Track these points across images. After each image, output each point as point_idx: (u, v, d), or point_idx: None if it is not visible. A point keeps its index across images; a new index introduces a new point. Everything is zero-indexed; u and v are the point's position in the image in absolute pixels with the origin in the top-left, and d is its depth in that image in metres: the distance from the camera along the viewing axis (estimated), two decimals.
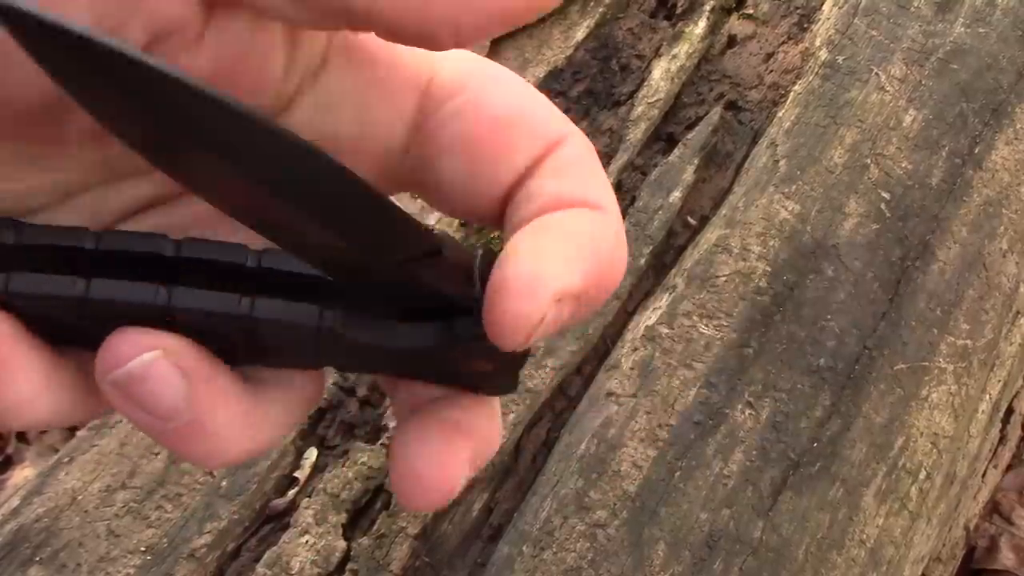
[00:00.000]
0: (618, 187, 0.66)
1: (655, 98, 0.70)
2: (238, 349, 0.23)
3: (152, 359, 0.21)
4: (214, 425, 0.22)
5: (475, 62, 0.25)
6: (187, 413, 0.21)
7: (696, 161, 0.66)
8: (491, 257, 0.23)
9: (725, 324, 0.59)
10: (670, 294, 0.61)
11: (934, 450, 0.58)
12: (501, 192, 0.24)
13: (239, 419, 0.23)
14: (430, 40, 0.20)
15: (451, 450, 0.24)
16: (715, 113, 0.69)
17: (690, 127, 0.69)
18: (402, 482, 0.24)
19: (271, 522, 0.56)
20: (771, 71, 0.72)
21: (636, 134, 0.68)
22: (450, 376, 0.26)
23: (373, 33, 0.20)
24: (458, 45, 0.21)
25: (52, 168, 0.22)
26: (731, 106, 0.70)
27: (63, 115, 0.20)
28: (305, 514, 0.55)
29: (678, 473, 0.55)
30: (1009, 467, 0.85)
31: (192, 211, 0.24)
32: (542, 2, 0.21)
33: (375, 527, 0.54)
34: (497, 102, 0.24)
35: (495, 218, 0.25)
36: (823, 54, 0.71)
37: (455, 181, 0.24)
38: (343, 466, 0.57)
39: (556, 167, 0.24)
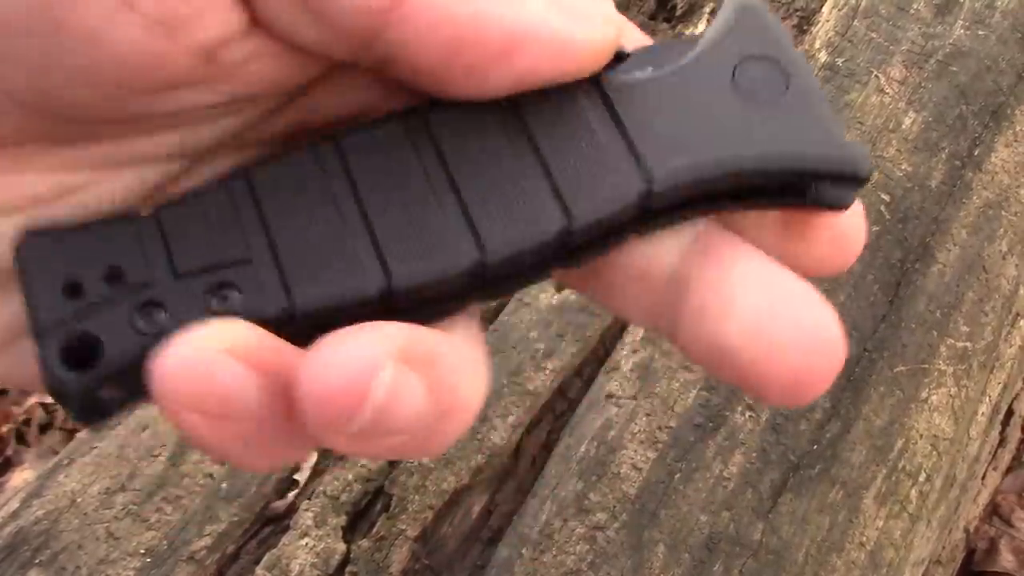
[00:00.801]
0: None
1: None
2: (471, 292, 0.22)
3: (390, 378, 0.18)
4: (460, 403, 0.20)
5: None
6: (433, 412, 0.19)
7: None
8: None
9: None
10: None
11: (934, 452, 0.58)
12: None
13: (474, 373, 0.21)
14: (447, 84, 0.20)
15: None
16: None
17: None
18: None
19: (271, 524, 0.56)
20: None
21: None
22: None
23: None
24: (474, 95, 0.20)
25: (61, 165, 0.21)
26: None
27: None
28: (305, 516, 0.55)
29: (678, 475, 0.55)
30: (1009, 469, 0.85)
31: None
32: (579, 67, 0.20)
33: (375, 529, 0.54)
34: None
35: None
36: (823, 56, 0.71)
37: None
38: (343, 468, 0.57)
39: None
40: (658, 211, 0.22)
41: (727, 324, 0.20)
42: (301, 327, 0.20)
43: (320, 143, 0.21)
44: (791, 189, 0.22)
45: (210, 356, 0.18)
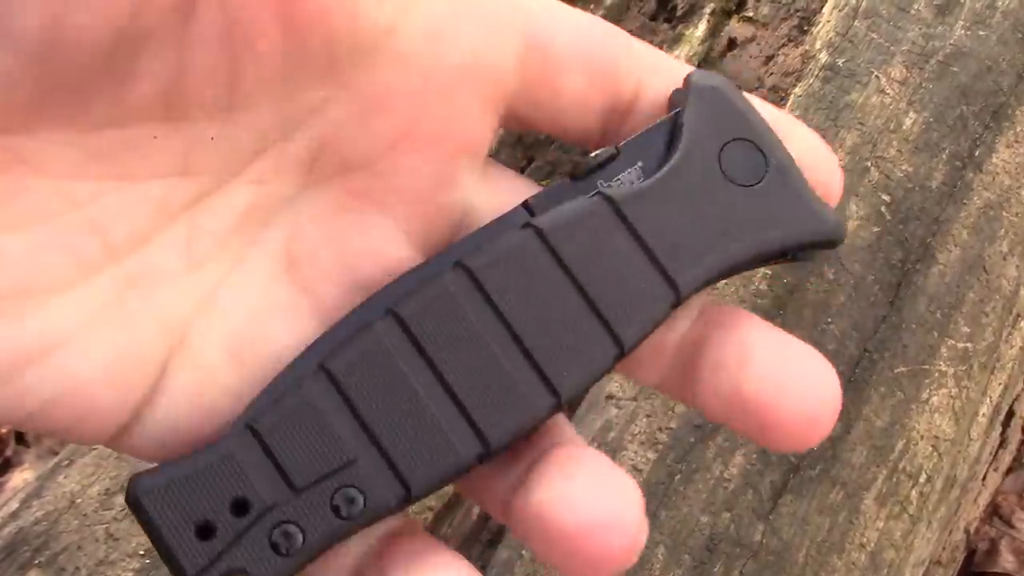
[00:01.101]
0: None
1: None
2: None
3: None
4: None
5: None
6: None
7: None
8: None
9: None
10: None
11: (934, 453, 0.58)
12: (622, 104, 0.25)
13: None
14: None
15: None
16: None
17: None
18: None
19: None
20: (771, 73, 0.72)
21: None
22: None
23: None
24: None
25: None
26: None
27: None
28: None
29: (678, 476, 0.54)
30: (1009, 470, 0.85)
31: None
32: None
33: None
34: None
35: (614, 135, 0.25)
36: (823, 57, 0.71)
37: (575, 97, 0.24)
38: None
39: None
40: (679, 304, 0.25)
41: (745, 376, 0.23)
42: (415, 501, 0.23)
43: (378, 321, 0.23)
44: (780, 256, 0.26)
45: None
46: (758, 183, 0.25)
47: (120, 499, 0.56)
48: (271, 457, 0.22)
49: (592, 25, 0.25)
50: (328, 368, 0.22)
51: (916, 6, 0.74)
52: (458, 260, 0.23)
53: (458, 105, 0.24)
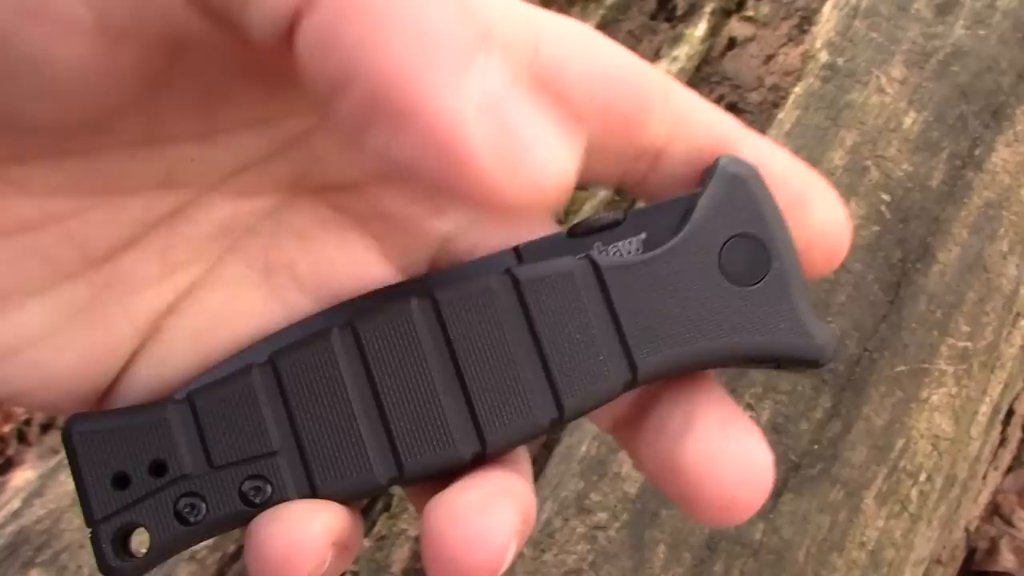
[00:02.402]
0: (619, 190, 0.67)
1: None
2: None
3: (513, 546, 0.22)
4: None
5: (576, 25, 0.24)
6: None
7: None
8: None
9: None
10: None
11: (935, 452, 0.58)
12: (646, 155, 0.24)
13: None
14: (358, 139, 0.18)
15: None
16: None
17: None
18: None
19: None
20: (771, 73, 0.72)
21: None
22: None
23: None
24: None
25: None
26: (731, 108, 0.71)
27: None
28: None
29: None
30: (1009, 469, 0.85)
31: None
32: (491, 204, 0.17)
33: (376, 529, 0.55)
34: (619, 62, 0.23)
35: (634, 185, 0.25)
36: (823, 56, 0.71)
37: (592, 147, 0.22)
38: None
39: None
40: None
41: (683, 444, 0.23)
42: None
43: (336, 330, 0.23)
44: (757, 363, 0.25)
45: (316, 544, 0.21)
46: (754, 284, 0.24)
47: None
48: (200, 431, 0.23)
49: (619, 68, 0.24)
50: (276, 363, 0.23)
51: (916, 5, 0.74)
52: (430, 291, 0.23)
53: None
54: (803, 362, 0.24)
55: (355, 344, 0.23)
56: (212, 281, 0.24)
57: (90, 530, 0.22)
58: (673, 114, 0.24)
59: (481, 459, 0.23)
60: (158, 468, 0.22)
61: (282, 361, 0.23)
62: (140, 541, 0.23)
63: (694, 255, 0.24)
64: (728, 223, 0.24)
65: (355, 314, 0.23)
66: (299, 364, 0.23)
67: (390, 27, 0.15)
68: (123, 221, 0.22)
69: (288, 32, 0.16)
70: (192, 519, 0.22)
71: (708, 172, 0.25)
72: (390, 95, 0.15)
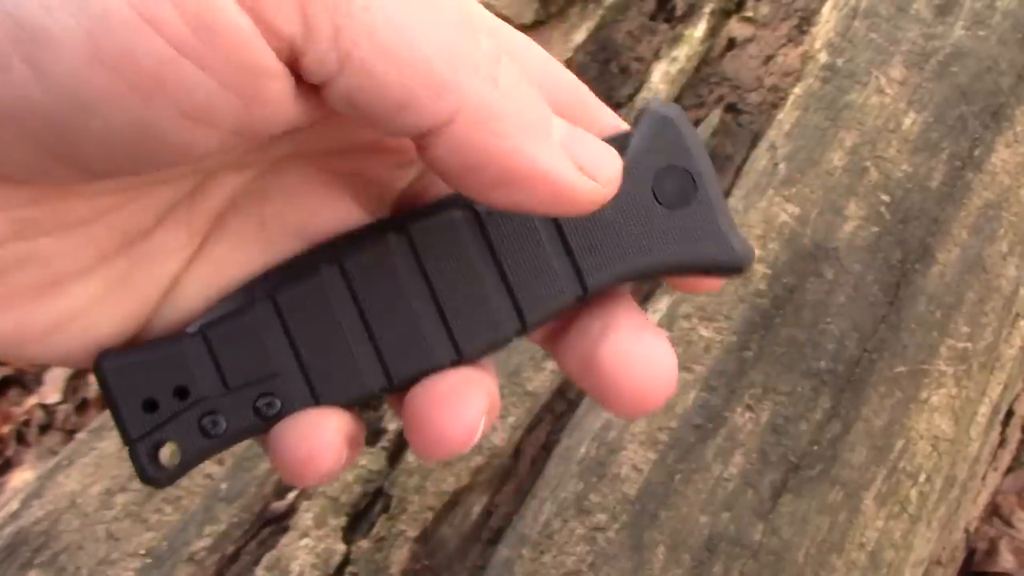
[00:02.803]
0: None
1: None
2: None
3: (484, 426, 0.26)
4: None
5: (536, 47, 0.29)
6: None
7: None
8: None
9: (725, 327, 0.59)
10: (670, 296, 0.61)
11: (934, 453, 0.58)
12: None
13: None
14: (457, 184, 0.24)
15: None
16: (715, 116, 0.69)
17: None
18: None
19: (270, 525, 0.56)
20: (771, 73, 0.72)
21: None
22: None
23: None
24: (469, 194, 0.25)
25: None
26: (731, 109, 0.70)
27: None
28: (305, 517, 0.55)
29: (678, 476, 0.55)
30: (1009, 470, 0.85)
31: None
32: (567, 211, 0.25)
33: (375, 530, 0.54)
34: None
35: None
36: (823, 57, 0.71)
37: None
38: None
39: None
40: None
41: (601, 346, 0.27)
42: None
43: (325, 266, 0.27)
44: (689, 272, 0.29)
45: (334, 442, 0.26)
46: (684, 208, 0.28)
47: (121, 498, 0.56)
48: (214, 359, 0.26)
49: (556, 75, 0.29)
50: (276, 298, 0.27)
51: (916, 6, 0.74)
52: (404, 226, 0.27)
53: None
54: (727, 270, 0.29)
55: (342, 276, 0.27)
56: (217, 237, 0.27)
57: (127, 448, 0.26)
58: (597, 117, 0.30)
59: (456, 363, 0.27)
60: (181, 392, 0.26)
61: (280, 295, 0.27)
62: (171, 453, 0.27)
63: (631, 185, 0.27)
64: (658, 156, 0.28)
65: (340, 250, 0.27)
66: (295, 297, 0.27)
67: (507, 128, 0.23)
68: (157, 206, 0.26)
69: (418, 137, 0.22)
70: (214, 433, 0.26)
71: (640, 113, 0.29)
72: (522, 175, 0.23)
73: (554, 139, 0.24)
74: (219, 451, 0.27)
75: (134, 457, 0.26)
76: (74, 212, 0.24)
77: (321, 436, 0.26)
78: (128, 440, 0.26)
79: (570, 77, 0.29)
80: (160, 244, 0.26)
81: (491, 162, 0.23)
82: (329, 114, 0.23)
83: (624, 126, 0.30)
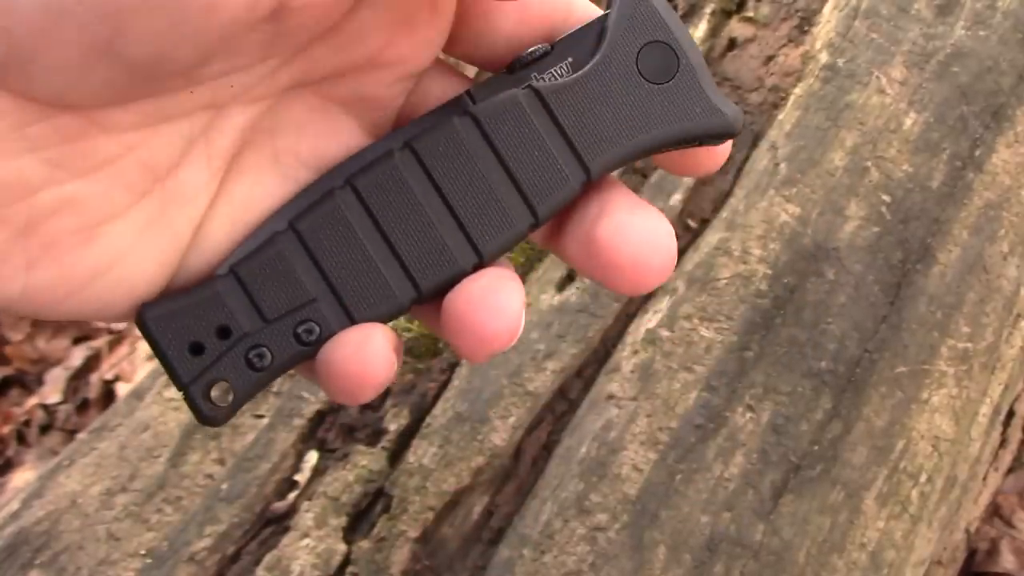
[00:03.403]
0: None
1: None
2: None
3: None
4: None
5: None
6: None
7: None
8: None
9: (725, 327, 0.59)
10: (671, 297, 0.61)
11: (935, 453, 0.58)
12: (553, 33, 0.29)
13: None
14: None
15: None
16: None
17: None
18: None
19: (271, 525, 0.56)
20: (771, 74, 0.72)
21: None
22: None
23: None
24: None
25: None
26: None
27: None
28: (305, 517, 0.55)
29: (679, 476, 0.55)
30: (1010, 470, 0.85)
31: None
32: None
33: (375, 530, 0.54)
34: None
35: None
36: (823, 57, 0.71)
37: (508, 34, 0.29)
38: (343, 469, 0.57)
39: None
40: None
41: (598, 224, 0.28)
42: None
43: (339, 190, 0.28)
44: (684, 144, 0.30)
45: (384, 351, 0.27)
46: (669, 81, 0.29)
47: (122, 498, 0.56)
48: (249, 295, 0.27)
49: None
50: (297, 227, 0.28)
51: (916, 6, 0.74)
52: (407, 141, 0.28)
53: (417, 38, 0.28)
54: (720, 135, 0.29)
55: (357, 199, 0.28)
56: (236, 175, 0.29)
57: (182, 392, 0.27)
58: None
59: (479, 266, 0.28)
60: (224, 332, 0.27)
61: (301, 224, 0.28)
62: (224, 392, 0.28)
63: (616, 66, 0.29)
64: (638, 34, 0.29)
65: (351, 173, 0.28)
66: (315, 224, 0.28)
67: None
68: (177, 141, 0.27)
69: None
70: (261, 366, 0.27)
71: None
72: None
73: None
74: (269, 382, 0.28)
75: (189, 400, 0.27)
76: (102, 150, 0.25)
77: (372, 350, 0.27)
78: (181, 385, 0.27)
79: None
80: (185, 183, 0.27)
81: None
82: None
83: (596, 10, 0.30)
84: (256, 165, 0.29)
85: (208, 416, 0.27)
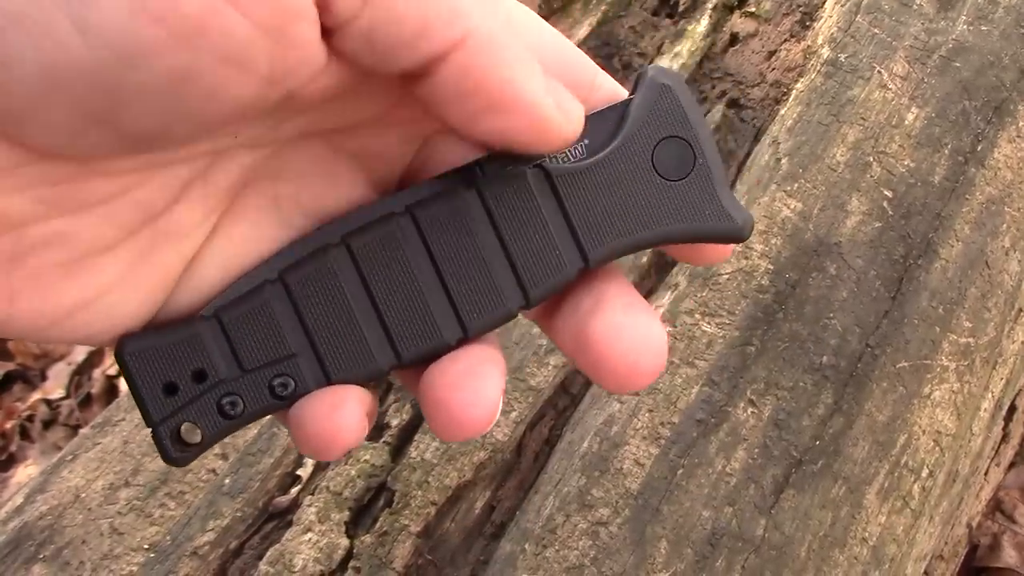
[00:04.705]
0: None
1: None
2: None
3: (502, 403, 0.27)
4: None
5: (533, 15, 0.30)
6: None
7: None
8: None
9: (727, 322, 0.59)
10: (672, 292, 0.61)
11: (936, 448, 0.58)
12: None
13: None
14: (449, 116, 0.25)
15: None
16: (717, 111, 0.69)
17: None
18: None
19: (274, 519, 0.56)
20: (773, 69, 0.72)
21: None
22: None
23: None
24: (463, 128, 0.26)
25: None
26: (733, 104, 0.70)
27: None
28: (308, 512, 0.55)
29: (680, 471, 0.55)
30: (1011, 465, 0.85)
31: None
32: (544, 145, 0.26)
33: (378, 525, 0.55)
34: None
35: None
36: (825, 52, 0.71)
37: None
38: (346, 464, 0.57)
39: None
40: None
41: (592, 321, 0.28)
42: None
43: (333, 247, 0.28)
44: (691, 241, 0.30)
45: (355, 417, 0.27)
46: (683, 179, 0.28)
47: (125, 493, 0.57)
48: (229, 342, 0.27)
49: (556, 45, 0.29)
50: (286, 280, 0.27)
51: (918, 1, 0.74)
52: (409, 206, 0.28)
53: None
54: (727, 239, 0.29)
55: (350, 259, 0.28)
56: (234, 216, 0.28)
57: (150, 430, 0.27)
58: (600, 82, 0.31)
59: (463, 341, 0.28)
60: (200, 376, 0.27)
61: (290, 277, 0.27)
62: (192, 433, 0.28)
63: (630, 157, 0.28)
64: (658, 127, 0.28)
65: (348, 231, 0.28)
66: (305, 279, 0.27)
67: (505, 57, 0.24)
68: (175, 183, 0.26)
69: (426, 65, 0.24)
70: (233, 413, 0.27)
71: (637, 80, 0.29)
72: (510, 102, 0.25)
73: (540, 80, 0.25)
74: (238, 429, 0.28)
75: (157, 440, 0.27)
76: (97, 191, 0.25)
77: (344, 414, 0.27)
78: (151, 423, 0.27)
79: (571, 44, 0.31)
80: (179, 221, 0.27)
81: (486, 88, 0.24)
82: (344, 76, 0.24)
83: (623, 92, 0.30)
84: (255, 207, 0.29)
85: (173, 457, 0.27)
